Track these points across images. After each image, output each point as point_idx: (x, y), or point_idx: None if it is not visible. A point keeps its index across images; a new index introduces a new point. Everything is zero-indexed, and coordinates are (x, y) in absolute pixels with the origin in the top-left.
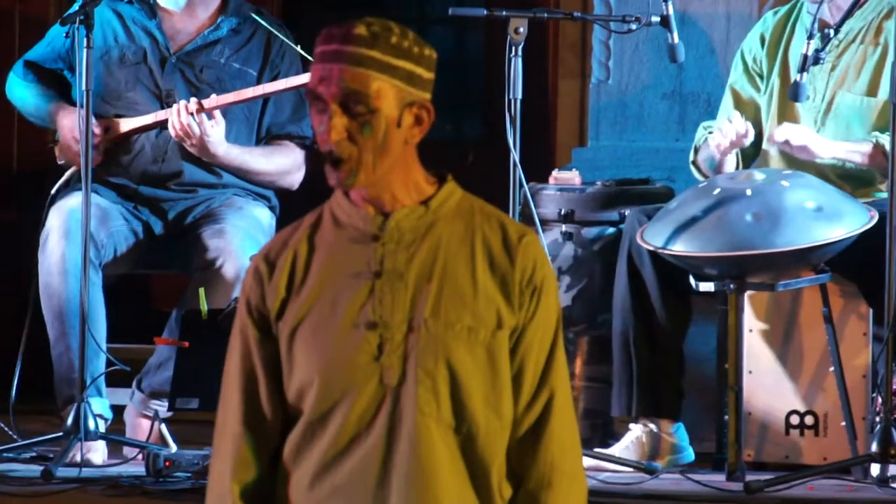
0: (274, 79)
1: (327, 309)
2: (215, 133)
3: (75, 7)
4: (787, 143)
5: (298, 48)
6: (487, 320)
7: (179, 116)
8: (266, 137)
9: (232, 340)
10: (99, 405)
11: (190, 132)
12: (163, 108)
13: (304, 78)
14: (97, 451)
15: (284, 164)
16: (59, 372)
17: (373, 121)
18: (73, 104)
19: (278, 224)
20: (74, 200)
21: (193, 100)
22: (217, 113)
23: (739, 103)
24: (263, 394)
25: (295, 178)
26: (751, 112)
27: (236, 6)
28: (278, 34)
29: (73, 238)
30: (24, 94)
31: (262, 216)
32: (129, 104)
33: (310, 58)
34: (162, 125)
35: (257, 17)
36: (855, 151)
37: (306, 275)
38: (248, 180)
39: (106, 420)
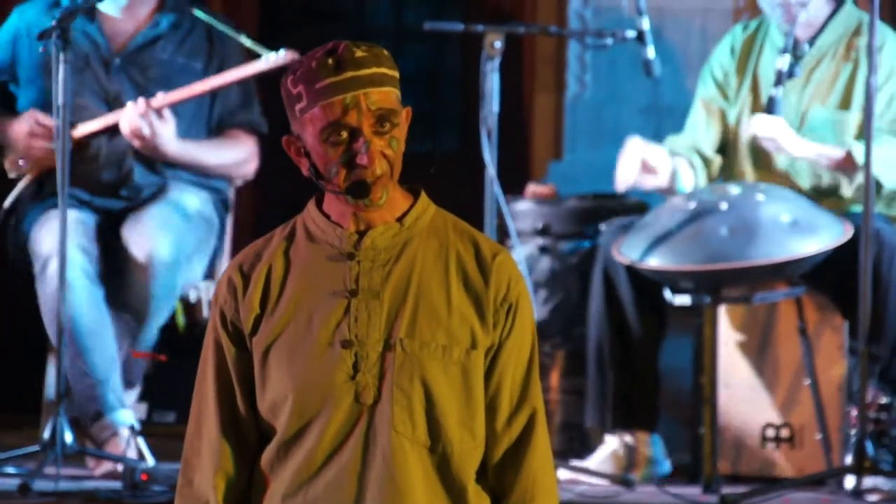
0: (219, 69)
1: (302, 327)
2: (166, 131)
3: (31, 16)
4: (754, 129)
5: (242, 38)
6: (461, 339)
7: (129, 119)
8: (217, 128)
9: (205, 350)
10: (124, 418)
11: (140, 133)
12: (111, 111)
13: (251, 68)
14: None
15: (237, 154)
16: (82, 392)
17: (396, 134)
18: (17, 115)
19: (234, 221)
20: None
21: (141, 99)
22: (166, 111)
23: (711, 116)
24: (241, 406)
25: (249, 168)
26: (722, 123)
27: (175, 2)
28: (218, 25)
29: (70, 260)
30: None
31: (190, 202)
32: (77, 109)
33: (252, 46)
34: (114, 129)
35: (196, 11)
36: (824, 155)
37: (281, 291)
38: (203, 175)
39: (135, 429)
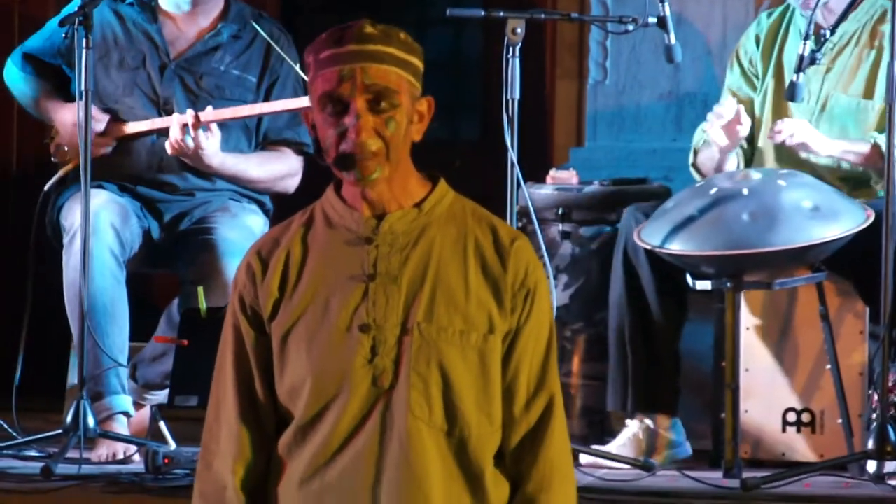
0: (273, 84)
1: (320, 311)
2: (210, 145)
3: (74, 7)
4: (783, 136)
5: (297, 67)
6: (479, 324)
7: (174, 134)
8: (263, 143)
9: (225, 335)
10: (123, 403)
11: (185, 149)
12: (160, 114)
13: (303, 101)
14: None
15: (280, 169)
16: (86, 369)
17: (396, 116)
18: (72, 99)
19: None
20: (99, 199)
21: (190, 112)
22: (213, 124)
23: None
24: (259, 390)
25: (291, 183)
26: (748, 112)
27: (237, 11)
28: (277, 48)
29: (100, 235)
30: (21, 85)
31: (255, 224)
32: (125, 108)
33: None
34: (160, 132)
35: (256, 26)
36: (850, 151)
37: (299, 276)
38: (243, 187)
39: (129, 416)
